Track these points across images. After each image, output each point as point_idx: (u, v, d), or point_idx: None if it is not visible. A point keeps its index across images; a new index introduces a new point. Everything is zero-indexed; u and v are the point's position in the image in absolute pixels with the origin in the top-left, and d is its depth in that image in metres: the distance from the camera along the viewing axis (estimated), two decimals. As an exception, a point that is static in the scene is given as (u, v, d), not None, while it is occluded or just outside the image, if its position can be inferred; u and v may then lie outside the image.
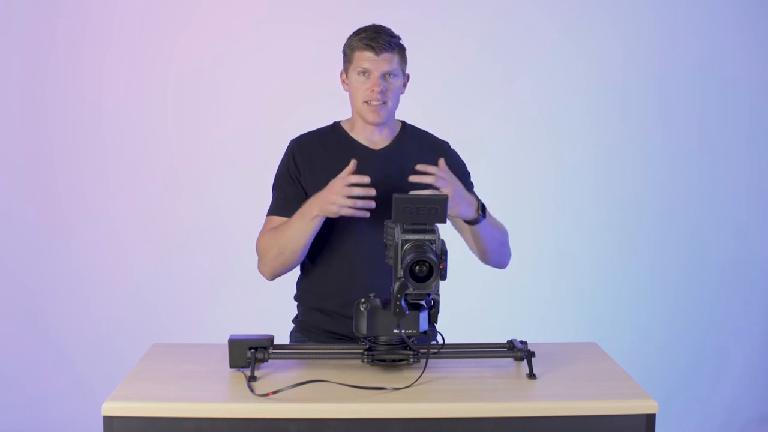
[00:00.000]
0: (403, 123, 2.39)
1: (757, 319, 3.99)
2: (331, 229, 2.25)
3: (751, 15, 3.88)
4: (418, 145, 2.34)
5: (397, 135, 2.35)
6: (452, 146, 2.42)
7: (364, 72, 2.22)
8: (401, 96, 2.31)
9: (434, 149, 2.35)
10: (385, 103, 2.23)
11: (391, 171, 2.27)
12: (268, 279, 2.30)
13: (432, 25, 3.76)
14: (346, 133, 2.34)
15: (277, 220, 2.28)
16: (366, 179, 2.08)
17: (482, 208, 2.19)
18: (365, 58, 2.21)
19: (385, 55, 2.21)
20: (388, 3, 3.58)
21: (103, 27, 3.76)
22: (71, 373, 3.78)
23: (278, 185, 2.34)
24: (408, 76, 2.31)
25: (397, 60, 2.24)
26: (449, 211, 2.01)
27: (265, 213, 2.34)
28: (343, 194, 2.07)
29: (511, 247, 2.41)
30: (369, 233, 2.21)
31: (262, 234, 2.30)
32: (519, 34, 3.83)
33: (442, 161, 2.13)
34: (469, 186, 2.36)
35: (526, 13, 3.83)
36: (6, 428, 3.65)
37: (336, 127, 2.37)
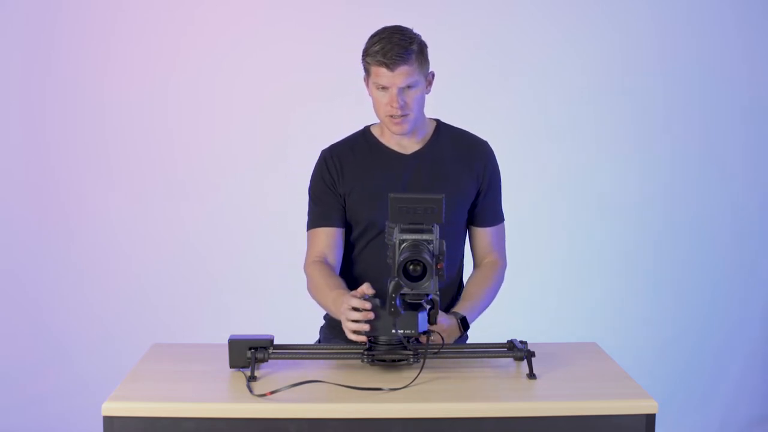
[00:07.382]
0: (438, 122, 2.36)
1: (756, 319, 3.98)
2: (357, 236, 2.29)
3: (751, 15, 3.88)
4: (452, 146, 2.32)
5: (431, 137, 2.32)
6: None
7: (383, 87, 2.18)
8: (427, 96, 2.27)
9: (470, 148, 2.33)
10: (406, 115, 2.20)
11: (422, 175, 2.27)
12: None
13: (432, 25, 3.74)
14: (376, 140, 2.32)
15: (320, 231, 2.28)
16: (368, 305, 1.95)
17: (464, 325, 2.18)
18: (381, 74, 2.17)
19: (401, 69, 2.15)
20: (388, 3, 3.58)
21: (104, 30, 3.75)
22: (71, 373, 3.78)
23: (315, 196, 2.32)
24: (433, 74, 2.26)
25: (416, 68, 2.17)
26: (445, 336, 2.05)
27: (306, 226, 2.33)
28: (347, 316, 1.97)
29: (510, 246, 2.41)
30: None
31: (309, 258, 2.28)
32: (519, 34, 3.82)
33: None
34: (497, 189, 2.36)
35: (526, 13, 3.82)
36: (6, 428, 3.65)
37: (366, 133, 2.35)
